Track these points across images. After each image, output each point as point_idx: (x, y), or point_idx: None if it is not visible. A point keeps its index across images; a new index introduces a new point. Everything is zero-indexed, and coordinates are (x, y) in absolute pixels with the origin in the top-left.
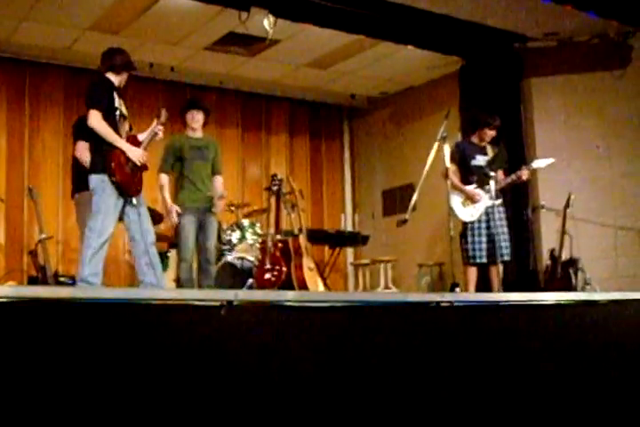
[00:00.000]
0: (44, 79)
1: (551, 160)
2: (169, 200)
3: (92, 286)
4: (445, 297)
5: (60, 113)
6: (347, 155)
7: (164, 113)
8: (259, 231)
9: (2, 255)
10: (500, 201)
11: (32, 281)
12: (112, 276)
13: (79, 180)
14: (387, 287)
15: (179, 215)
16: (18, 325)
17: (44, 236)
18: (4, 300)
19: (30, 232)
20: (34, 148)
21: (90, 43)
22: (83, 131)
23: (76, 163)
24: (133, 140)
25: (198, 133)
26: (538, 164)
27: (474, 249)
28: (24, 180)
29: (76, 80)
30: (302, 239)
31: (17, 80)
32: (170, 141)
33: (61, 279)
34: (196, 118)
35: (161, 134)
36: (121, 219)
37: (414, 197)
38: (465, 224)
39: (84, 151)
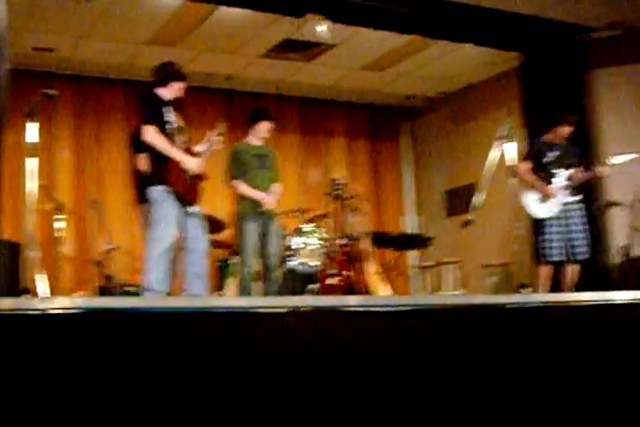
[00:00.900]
0: (107, 94)
1: (633, 155)
2: (258, 191)
3: (158, 293)
4: (513, 299)
5: (123, 126)
6: (406, 156)
7: (221, 126)
8: (322, 236)
9: (71, 266)
10: (578, 197)
11: (100, 291)
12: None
13: (142, 190)
14: (453, 289)
15: (241, 221)
16: (87, 335)
17: (110, 246)
18: (75, 311)
19: (97, 243)
20: (98, 160)
21: (148, 56)
22: (139, 142)
23: (138, 174)
24: (191, 152)
25: (259, 142)
26: (618, 159)
27: (549, 247)
28: (89, 192)
29: (137, 93)
30: (366, 243)
31: (80, 95)
32: (233, 149)
33: (128, 289)
34: (269, 129)
35: (220, 144)
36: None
37: (477, 197)
38: (539, 221)
39: (144, 162)
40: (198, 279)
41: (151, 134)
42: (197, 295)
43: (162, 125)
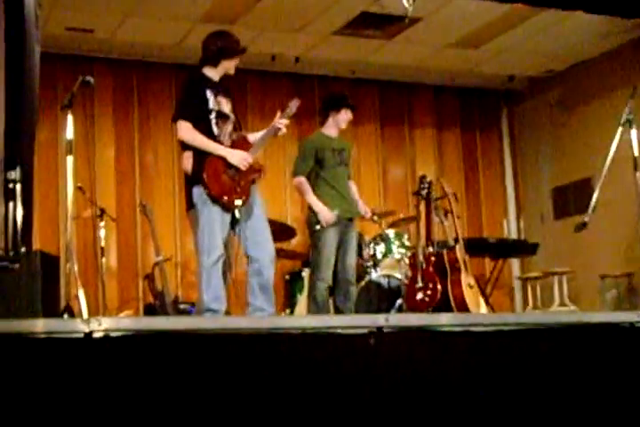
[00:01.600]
0: (153, 81)
1: None
2: (320, 203)
3: (216, 313)
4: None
5: None
6: (506, 148)
7: (293, 104)
8: (407, 243)
9: (115, 281)
10: None
11: (149, 310)
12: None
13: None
14: (563, 305)
15: (316, 227)
16: (136, 361)
17: (160, 258)
18: (121, 333)
19: (145, 254)
20: (145, 159)
21: (202, 37)
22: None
23: (186, 175)
24: (242, 142)
25: (335, 134)
26: None
27: None
28: (136, 195)
29: None
30: (459, 251)
31: (123, 84)
32: (308, 142)
33: (182, 306)
34: (349, 118)
35: (284, 129)
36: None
37: (595, 195)
38: None
39: (187, 161)
40: (264, 291)
41: (185, 132)
42: (263, 310)
43: (206, 114)
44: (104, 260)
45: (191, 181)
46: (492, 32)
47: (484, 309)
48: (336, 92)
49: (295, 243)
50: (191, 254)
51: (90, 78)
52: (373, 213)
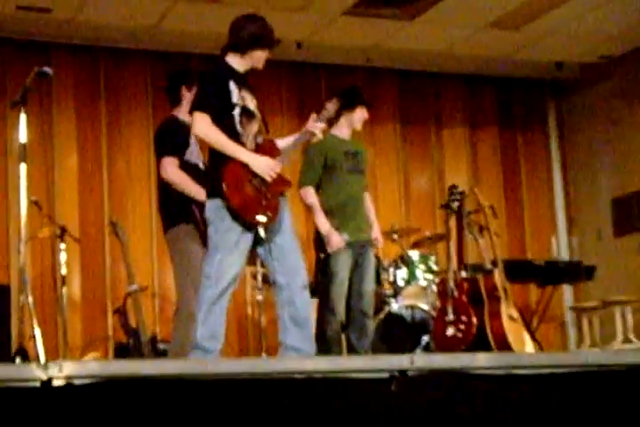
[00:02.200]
0: (125, 72)
1: None
2: (327, 223)
3: (208, 354)
4: None
5: (149, 117)
6: (555, 150)
7: (331, 105)
8: (434, 267)
9: (79, 316)
10: None
11: (121, 351)
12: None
13: (169, 210)
14: (627, 341)
15: (325, 250)
16: (104, 415)
17: (134, 287)
18: (87, 381)
19: (116, 283)
20: (115, 166)
21: (184, 17)
22: (166, 142)
23: (162, 187)
24: (268, 147)
25: (347, 135)
26: None
27: None
28: (104, 211)
29: (167, 70)
30: (498, 276)
31: (88, 75)
32: (316, 146)
33: (161, 346)
34: (365, 117)
35: (320, 135)
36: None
37: None
38: None
39: (171, 168)
40: (298, 326)
41: (201, 125)
42: (298, 350)
43: (229, 109)
44: (65, 290)
45: (207, 190)
46: (534, 11)
47: (529, 346)
48: (348, 85)
49: None
50: (172, 282)
51: (47, 69)
52: (393, 232)
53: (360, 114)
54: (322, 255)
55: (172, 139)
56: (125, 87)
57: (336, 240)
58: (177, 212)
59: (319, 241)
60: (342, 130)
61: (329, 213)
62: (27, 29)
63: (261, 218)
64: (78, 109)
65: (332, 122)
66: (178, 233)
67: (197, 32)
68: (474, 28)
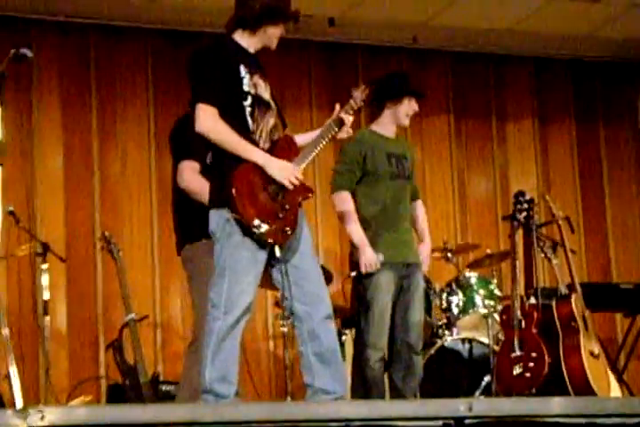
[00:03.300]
0: (119, 53)
1: None
2: (364, 237)
3: (219, 399)
4: None
5: (149, 107)
6: None
7: (359, 93)
8: (497, 292)
9: (65, 352)
10: None
11: (116, 393)
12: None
13: (188, 224)
14: None
15: (364, 272)
16: None
17: (132, 316)
18: None
19: (110, 311)
20: (108, 169)
21: None
22: (185, 143)
23: (180, 196)
24: (286, 145)
25: (392, 132)
26: None
27: None
28: (95, 224)
29: (172, 52)
30: (576, 303)
31: (75, 58)
32: (354, 144)
33: (164, 388)
34: (414, 110)
35: (349, 130)
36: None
37: None
38: None
39: (189, 174)
40: (325, 364)
41: (207, 120)
42: (329, 393)
43: (239, 98)
44: (48, 319)
45: (210, 199)
46: None
47: (615, 389)
48: (392, 70)
49: (331, 291)
50: (177, 310)
51: (26, 51)
52: (446, 249)
53: (408, 106)
54: (354, 274)
55: (192, 138)
56: (121, 73)
57: (369, 258)
58: (197, 226)
59: (355, 260)
60: (386, 126)
61: (369, 225)
62: (3, 4)
63: (279, 233)
64: (64, 99)
65: (374, 116)
66: (197, 250)
67: (206, 6)
68: (545, 1)
